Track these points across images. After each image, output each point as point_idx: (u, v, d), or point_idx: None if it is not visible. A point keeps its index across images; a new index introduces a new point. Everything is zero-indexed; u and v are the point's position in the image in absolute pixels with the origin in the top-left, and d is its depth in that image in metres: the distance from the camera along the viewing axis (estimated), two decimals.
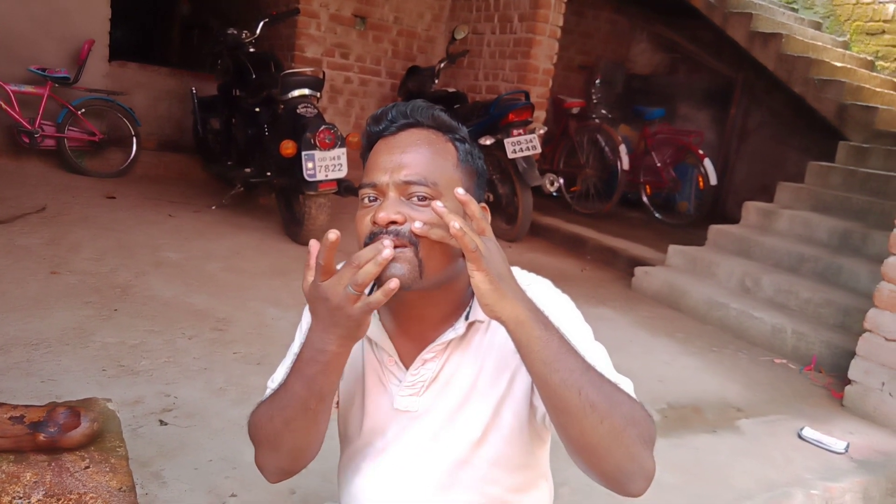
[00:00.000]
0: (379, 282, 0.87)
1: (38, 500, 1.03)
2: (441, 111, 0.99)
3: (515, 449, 1.01)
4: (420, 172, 0.90)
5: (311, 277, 0.86)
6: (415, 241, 0.88)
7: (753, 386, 2.92)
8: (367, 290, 0.88)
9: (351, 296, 0.83)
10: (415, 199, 0.90)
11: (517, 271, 1.02)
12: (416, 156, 0.92)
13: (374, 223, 0.89)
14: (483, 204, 0.95)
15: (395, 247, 0.86)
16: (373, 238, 0.88)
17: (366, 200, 0.93)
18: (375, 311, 0.99)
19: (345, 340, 0.89)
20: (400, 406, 1.01)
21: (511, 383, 0.99)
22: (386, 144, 0.95)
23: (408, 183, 0.90)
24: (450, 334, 0.98)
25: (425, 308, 0.99)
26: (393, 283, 0.84)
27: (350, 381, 1.07)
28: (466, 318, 0.98)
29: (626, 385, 1.00)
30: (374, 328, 1.01)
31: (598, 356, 0.99)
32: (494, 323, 0.96)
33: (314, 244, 0.86)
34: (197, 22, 6.80)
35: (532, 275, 1.05)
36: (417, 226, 0.87)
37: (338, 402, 1.10)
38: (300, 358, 0.93)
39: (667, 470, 2.09)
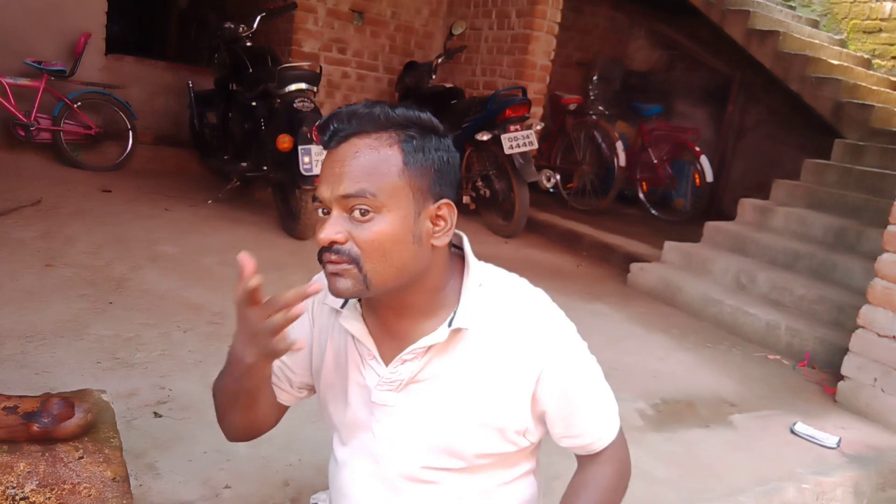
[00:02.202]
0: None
1: (32, 490, 1.03)
2: (387, 107, 0.92)
3: (497, 450, 1.01)
4: (357, 185, 0.88)
5: (240, 291, 0.90)
6: (357, 257, 0.89)
7: (747, 382, 2.93)
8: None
9: (264, 331, 0.89)
10: (356, 212, 0.89)
11: (507, 282, 1.03)
12: (353, 168, 0.89)
13: (317, 242, 0.91)
14: (446, 201, 0.94)
15: (338, 263, 0.90)
16: (321, 254, 0.92)
17: (319, 212, 0.94)
18: (357, 307, 1.01)
19: (259, 359, 0.94)
20: (377, 400, 1.01)
21: (498, 394, 0.98)
22: (329, 157, 0.92)
23: (346, 197, 0.89)
24: (431, 339, 0.96)
25: (399, 305, 0.98)
26: (297, 346, 0.91)
27: (332, 372, 1.08)
28: (450, 324, 0.96)
29: (611, 412, 1.07)
30: (355, 323, 1.01)
31: (591, 385, 1.04)
32: (481, 331, 0.97)
33: (243, 257, 0.90)
34: (194, 16, 6.78)
35: (522, 285, 1.03)
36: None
37: (308, 387, 1.15)
38: (229, 354, 0.98)
39: (660, 464, 2.11)
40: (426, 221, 0.92)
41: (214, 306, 2.81)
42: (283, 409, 1.16)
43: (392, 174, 0.89)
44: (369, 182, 0.88)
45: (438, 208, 0.93)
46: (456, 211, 0.95)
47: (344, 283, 0.91)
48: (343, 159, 0.90)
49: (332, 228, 0.89)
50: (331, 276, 0.92)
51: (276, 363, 1.14)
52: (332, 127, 0.92)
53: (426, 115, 0.94)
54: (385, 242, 0.89)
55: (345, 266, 0.90)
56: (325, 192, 0.91)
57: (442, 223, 0.94)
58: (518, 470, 1.07)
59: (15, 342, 2.22)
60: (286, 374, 1.13)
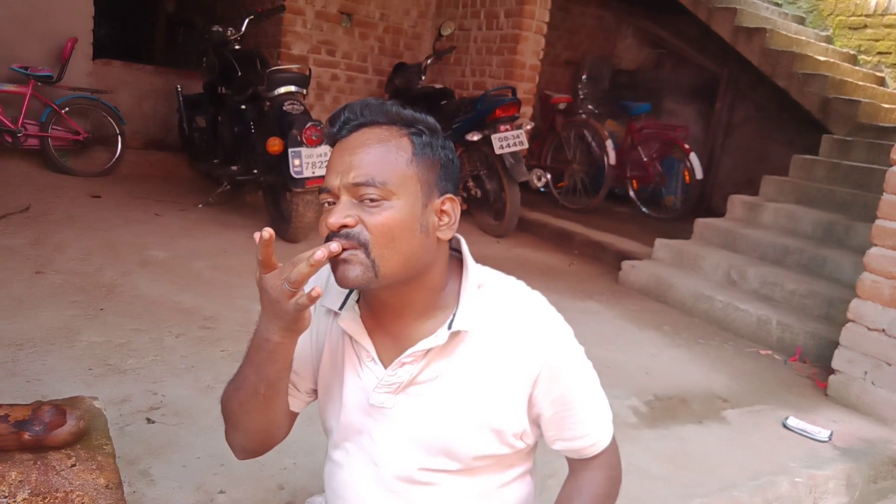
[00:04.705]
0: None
1: (24, 499, 1.03)
2: (397, 105, 0.96)
3: (495, 452, 1.01)
4: (368, 174, 0.90)
5: (258, 270, 0.91)
6: (366, 242, 0.89)
7: (739, 377, 2.95)
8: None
9: (286, 292, 0.88)
10: (366, 200, 0.90)
11: (505, 284, 1.03)
12: (364, 157, 0.91)
13: (327, 227, 0.91)
14: (450, 196, 0.97)
15: (347, 249, 0.90)
16: (329, 241, 0.91)
17: (325, 204, 0.94)
18: (355, 308, 1.01)
19: (285, 332, 0.93)
20: (375, 402, 1.01)
21: (496, 396, 0.98)
22: (339, 147, 0.94)
23: (357, 185, 0.90)
24: (430, 342, 0.96)
25: (399, 304, 0.98)
26: (314, 292, 0.87)
27: (328, 373, 1.07)
28: (449, 326, 0.96)
29: (605, 417, 1.07)
30: (353, 324, 1.01)
31: (586, 389, 1.05)
32: (480, 333, 0.97)
33: (257, 237, 0.90)
34: (182, 19, 6.74)
35: (521, 288, 1.04)
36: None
37: (314, 391, 1.12)
38: (251, 343, 0.97)
39: (654, 460, 2.11)
40: (432, 214, 0.94)
41: (206, 311, 2.80)
42: (294, 416, 1.13)
43: (402, 164, 0.92)
44: (379, 171, 0.90)
45: (443, 203, 0.96)
46: (459, 206, 0.98)
47: (353, 271, 0.90)
48: (353, 148, 0.92)
49: (342, 213, 0.90)
50: (339, 262, 0.91)
51: None
52: (343, 116, 0.94)
53: (432, 119, 0.98)
54: (394, 228, 0.90)
55: (353, 252, 0.90)
56: (333, 181, 0.92)
57: (446, 218, 0.96)
58: (515, 471, 1.07)
59: (5, 350, 2.20)
60: (293, 379, 1.11)
